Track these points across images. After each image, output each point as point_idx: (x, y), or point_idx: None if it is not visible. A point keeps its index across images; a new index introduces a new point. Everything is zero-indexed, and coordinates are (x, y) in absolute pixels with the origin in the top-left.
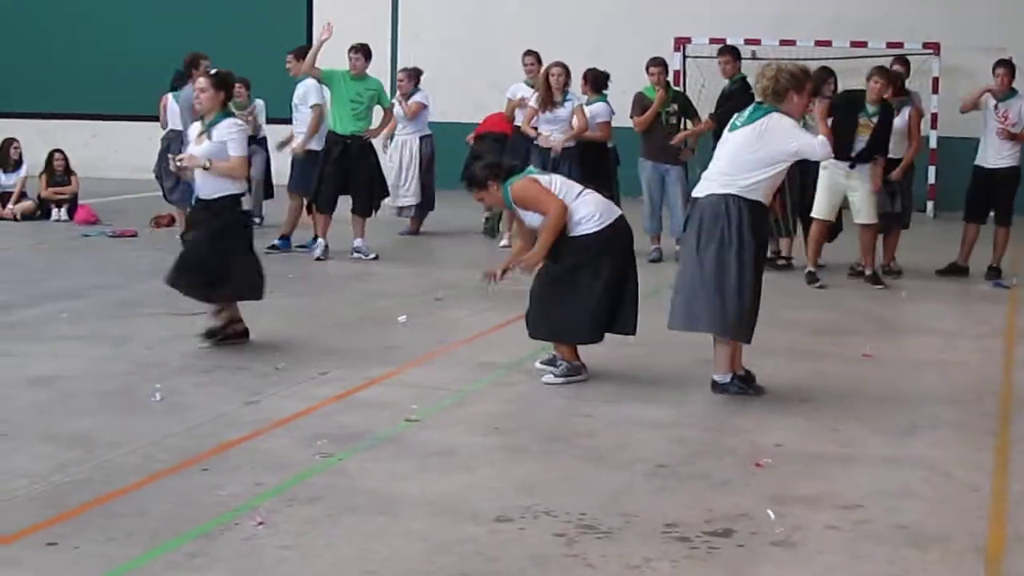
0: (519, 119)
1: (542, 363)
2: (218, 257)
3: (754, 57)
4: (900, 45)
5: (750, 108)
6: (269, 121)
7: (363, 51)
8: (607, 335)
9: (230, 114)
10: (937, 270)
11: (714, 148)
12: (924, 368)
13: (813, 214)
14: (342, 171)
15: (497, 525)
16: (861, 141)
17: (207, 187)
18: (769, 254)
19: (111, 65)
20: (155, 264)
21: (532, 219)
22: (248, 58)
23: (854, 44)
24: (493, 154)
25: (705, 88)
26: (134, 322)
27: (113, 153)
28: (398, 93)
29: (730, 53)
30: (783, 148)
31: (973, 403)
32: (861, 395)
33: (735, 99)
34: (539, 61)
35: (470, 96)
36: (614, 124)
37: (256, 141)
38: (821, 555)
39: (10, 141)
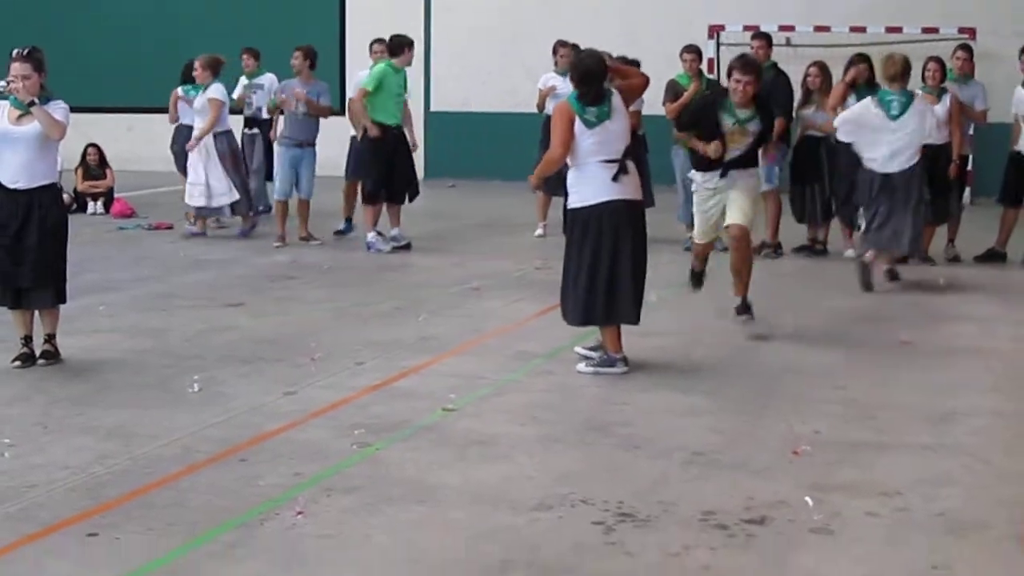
0: (549, 108)
1: (586, 348)
2: None
3: (788, 44)
4: (935, 30)
5: (895, 95)
6: None
7: (411, 44)
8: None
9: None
10: (975, 256)
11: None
12: (962, 355)
13: (694, 237)
14: (391, 162)
15: (536, 514)
16: (736, 150)
17: None
18: (807, 240)
19: (145, 58)
20: (192, 256)
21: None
22: (283, 44)
23: (889, 30)
24: None
25: None
26: (171, 314)
27: (148, 146)
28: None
29: (764, 39)
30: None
31: (1012, 390)
32: (899, 382)
33: (769, 86)
34: (572, 51)
35: (502, 85)
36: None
37: (257, 123)
38: (859, 543)
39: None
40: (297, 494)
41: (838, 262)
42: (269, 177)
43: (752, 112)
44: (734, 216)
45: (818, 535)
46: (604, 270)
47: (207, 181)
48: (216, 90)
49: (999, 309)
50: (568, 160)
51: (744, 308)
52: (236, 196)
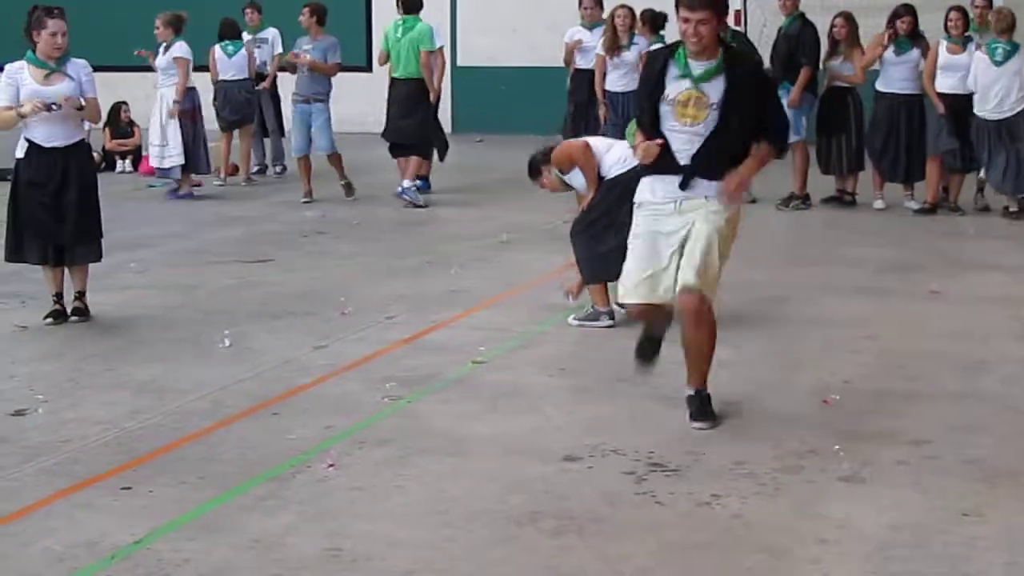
0: (579, 62)
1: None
2: None
3: None
4: None
5: (1002, 43)
6: None
7: None
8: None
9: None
10: (1005, 207)
11: None
12: (991, 304)
13: (621, 294)
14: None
15: (566, 464)
16: (695, 134)
17: None
18: (835, 191)
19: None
20: (220, 213)
21: (578, 181)
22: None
23: None
24: None
25: (766, 28)
26: (201, 270)
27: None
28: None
29: None
30: None
31: None
32: (928, 331)
33: (798, 39)
34: (599, 4)
35: (526, 40)
36: None
37: (263, 78)
38: (890, 490)
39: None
40: (328, 447)
41: (867, 212)
42: (282, 132)
43: (715, 67)
44: (684, 275)
45: (848, 483)
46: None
47: (165, 141)
48: (180, 48)
49: None
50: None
51: (700, 408)
52: (182, 160)
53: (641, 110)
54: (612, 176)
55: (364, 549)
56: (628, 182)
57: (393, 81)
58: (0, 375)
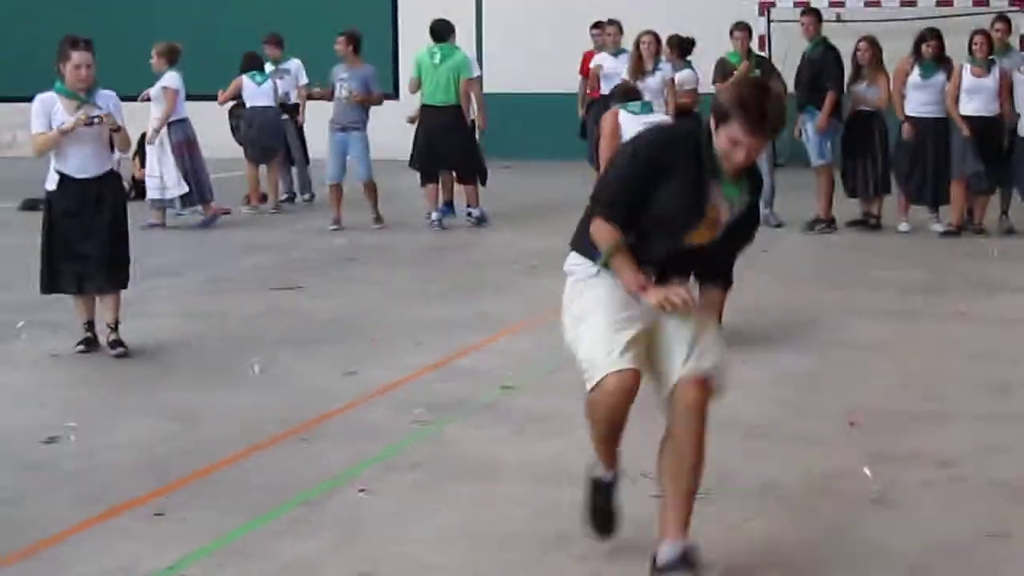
0: (605, 87)
1: None
2: None
3: (839, 19)
4: (986, 3)
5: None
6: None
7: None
8: None
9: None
10: None
11: None
12: (1018, 326)
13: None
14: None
15: None
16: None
17: None
18: (861, 215)
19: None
20: (248, 241)
21: None
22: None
23: (939, 3)
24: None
25: (789, 53)
26: (230, 297)
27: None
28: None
29: (813, 14)
30: None
31: None
32: (955, 353)
33: (821, 63)
34: (621, 30)
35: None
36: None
37: (287, 109)
38: (919, 511)
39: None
40: (359, 472)
41: (892, 235)
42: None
43: (740, 188)
44: (699, 359)
45: (877, 505)
46: None
47: (160, 173)
48: (169, 78)
49: None
50: None
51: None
52: (185, 188)
53: (630, 192)
54: None
55: (396, 573)
56: None
57: (428, 108)
58: (32, 403)
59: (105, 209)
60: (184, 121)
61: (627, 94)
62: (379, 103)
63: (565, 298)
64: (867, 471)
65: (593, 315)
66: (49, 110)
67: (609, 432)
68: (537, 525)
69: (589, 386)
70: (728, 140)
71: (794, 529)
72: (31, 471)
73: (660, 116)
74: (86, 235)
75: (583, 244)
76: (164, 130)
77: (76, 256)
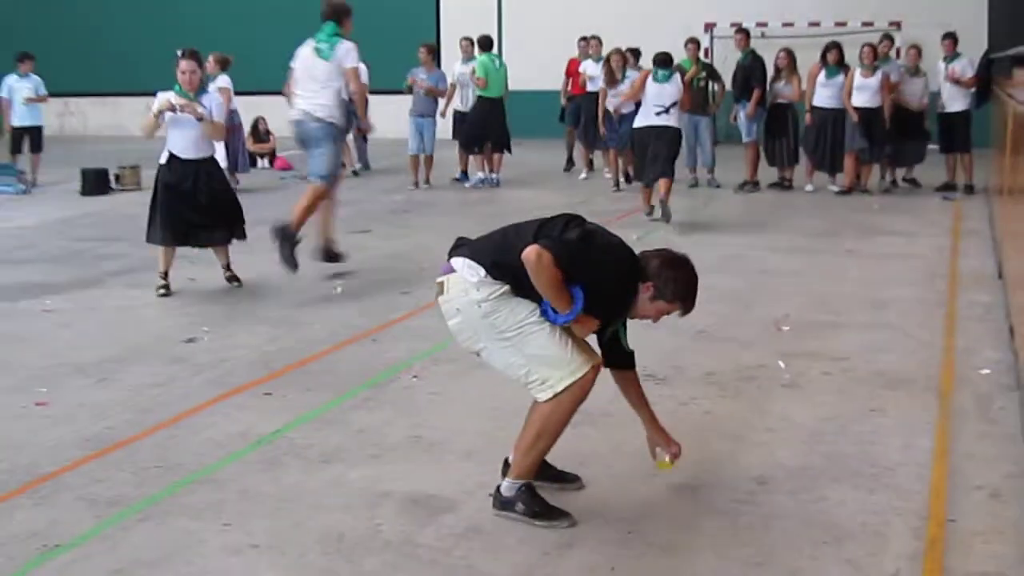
0: (590, 86)
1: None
2: None
3: (763, 36)
4: (871, 24)
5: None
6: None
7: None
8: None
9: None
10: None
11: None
12: (891, 259)
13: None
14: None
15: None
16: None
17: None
18: (778, 179)
19: (294, 46)
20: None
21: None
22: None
23: (837, 24)
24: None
25: (727, 60)
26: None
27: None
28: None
29: (744, 32)
30: None
31: (926, 284)
32: (846, 279)
33: (751, 68)
34: (600, 43)
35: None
36: None
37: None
38: (820, 394)
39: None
40: (413, 363)
41: (801, 194)
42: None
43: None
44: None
45: (788, 388)
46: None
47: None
48: (224, 80)
49: (917, 227)
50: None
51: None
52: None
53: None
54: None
55: (438, 436)
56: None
57: (485, 100)
58: (177, 314)
59: (201, 187)
60: (233, 111)
61: (663, 63)
62: (448, 97)
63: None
64: (781, 363)
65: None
66: (157, 103)
67: (561, 432)
68: None
69: (559, 388)
70: (659, 313)
71: (727, 405)
72: (176, 363)
73: (676, 86)
74: (186, 203)
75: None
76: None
77: (177, 219)
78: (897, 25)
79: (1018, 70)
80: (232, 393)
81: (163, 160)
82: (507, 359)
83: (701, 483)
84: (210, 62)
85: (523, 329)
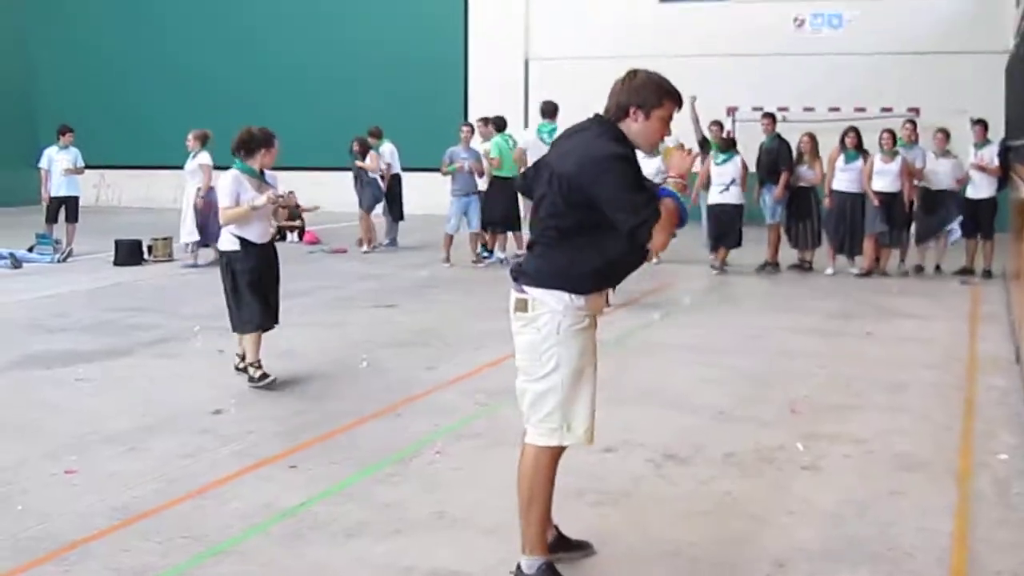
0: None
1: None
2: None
3: (784, 120)
4: (890, 109)
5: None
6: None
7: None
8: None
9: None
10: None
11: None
12: (909, 342)
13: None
14: None
15: (605, 454)
16: None
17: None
18: (798, 260)
19: (326, 126)
20: (361, 271)
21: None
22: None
23: (856, 109)
24: None
25: (748, 146)
26: (348, 312)
27: (328, 195)
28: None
29: (769, 117)
30: None
31: (945, 367)
32: (866, 361)
33: (776, 151)
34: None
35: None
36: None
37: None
38: (839, 476)
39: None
40: (436, 439)
41: (821, 276)
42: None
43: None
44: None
45: (808, 471)
46: None
47: (185, 223)
48: (204, 156)
49: (936, 310)
50: None
51: None
52: (196, 237)
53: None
54: None
55: (461, 512)
56: None
57: (499, 179)
58: (204, 385)
59: (275, 266)
60: (212, 188)
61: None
62: (484, 173)
63: (544, 339)
64: (799, 446)
65: (589, 368)
66: (237, 188)
67: (551, 490)
68: (560, 481)
69: (564, 442)
70: (661, 124)
71: (747, 486)
72: (203, 434)
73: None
74: (271, 286)
75: (566, 279)
76: (193, 192)
77: (265, 303)
78: (916, 111)
79: None
80: (258, 465)
81: (233, 246)
82: (548, 386)
83: (721, 563)
84: (190, 139)
85: (584, 374)
